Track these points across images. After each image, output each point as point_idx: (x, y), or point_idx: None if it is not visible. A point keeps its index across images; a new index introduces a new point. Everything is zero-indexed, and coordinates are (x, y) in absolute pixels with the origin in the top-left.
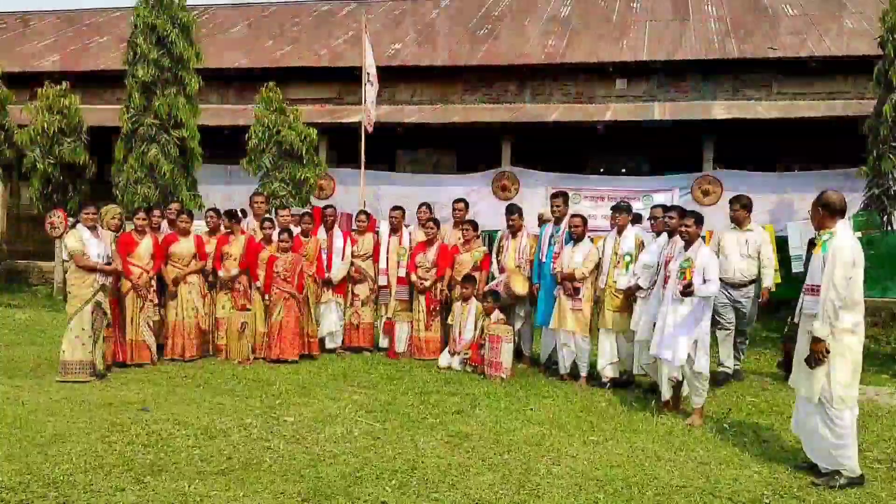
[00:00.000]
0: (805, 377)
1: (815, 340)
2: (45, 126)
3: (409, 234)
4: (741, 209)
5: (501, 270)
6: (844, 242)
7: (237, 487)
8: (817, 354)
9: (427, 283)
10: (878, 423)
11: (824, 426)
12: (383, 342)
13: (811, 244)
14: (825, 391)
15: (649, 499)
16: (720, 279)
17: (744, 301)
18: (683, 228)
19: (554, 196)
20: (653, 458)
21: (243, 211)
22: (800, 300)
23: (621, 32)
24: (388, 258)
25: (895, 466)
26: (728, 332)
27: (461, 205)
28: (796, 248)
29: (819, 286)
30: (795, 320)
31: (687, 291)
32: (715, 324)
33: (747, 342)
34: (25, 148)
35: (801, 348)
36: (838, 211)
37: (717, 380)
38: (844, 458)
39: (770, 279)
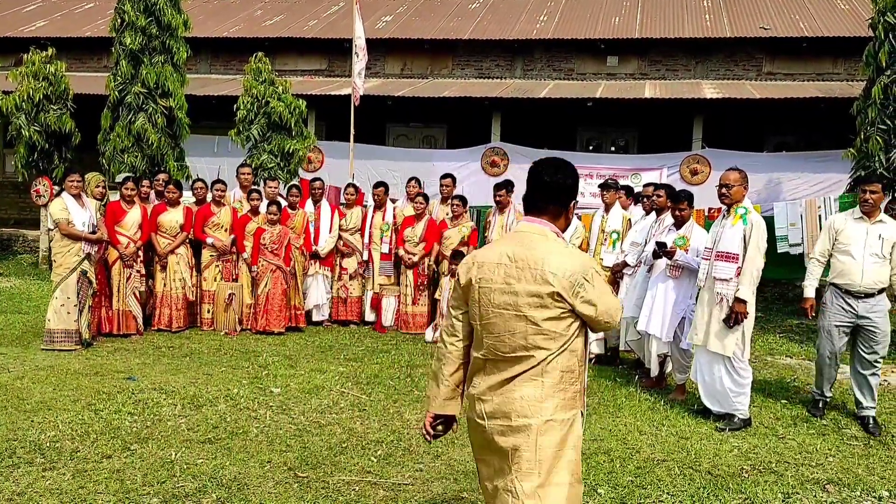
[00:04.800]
0: (719, 334)
1: (740, 302)
2: (31, 93)
3: (394, 209)
4: (882, 193)
5: None
6: (759, 217)
7: (223, 456)
8: (741, 315)
9: (415, 259)
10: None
11: (728, 376)
12: (370, 316)
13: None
14: (738, 347)
15: (630, 472)
16: (835, 285)
17: (872, 317)
18: (678, 212)
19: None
20: (635, 432)
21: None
22: (707, 265)
23: (614, 10)
24: (370, 233)
25: (871, 444)
26: (836, 358)
27: (448, 180)
28: (782, 228)
29: (732, 253)
30: (701, 284)
31: (668, 251)
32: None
33: (879, 373)
34: (10, 115)
35: (712, 309)
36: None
37: (817, 411)
38: (740, 403)
39: None
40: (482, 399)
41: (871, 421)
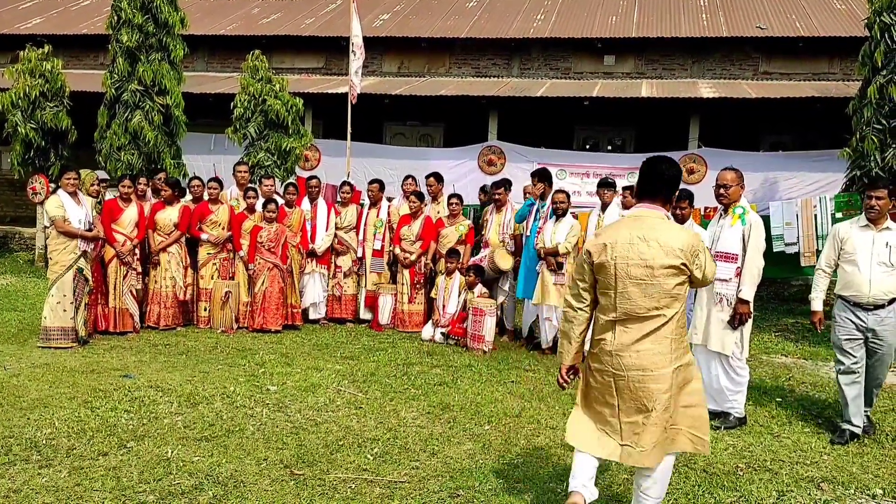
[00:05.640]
0: (719, 333)
1: (743, 303)
2: (27, 90)
3: (389, 206)
4: (889, 199)
5: (485, 245)
6: (757, 216)
7: (220, 454)
8: (744, 316)
9: (412, 258)
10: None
11: (725, 375)
12: (365, 314)
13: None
14: (737, 346)
15: (626, 469)
16: (842, 297)
17: (879, 329)
18: (679, 211)
19: (532, 174)
20: None
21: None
22: None
23: (611, 9)
24: (364, 230)
25: (865, 442)
26: (856, 375)
27: (432, 179)
28: (778, 227)
29: (731, 254)
30: None
31: None
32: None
33: (881, 387)
34: (7, 112)
35: (711, 309)
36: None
37: (841, 439)
38: (737, 402)
39: None
40: (619, 354)
41: (865, 420)
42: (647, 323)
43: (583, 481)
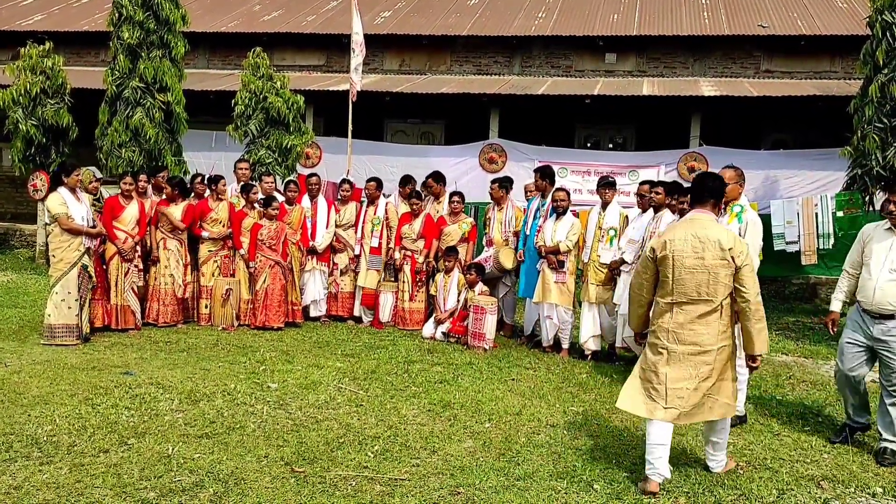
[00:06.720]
0: None
1: None
2: (28, 87)
3: (386, 204)
4: None
5: (489, 243)
6: (756, 215)
7: (221, 451)
8: None
9: (420, 259)
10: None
11: None
12: (359, 312)
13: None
14: (737, 345)
15: (626, 467)
16: (858, 302)
17: (889, 340)
18: (684, 206)
19: (535, 170)
20: (631, 428)
21: (219, 176)
22: None
23: (612, 7)
24: (363, 228)
25: (865, 441)
26: (848, 381)
27: (431, 180)
28: (778, 225)
29: None
30: None
31: None
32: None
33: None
34: (7, 109)
35: None
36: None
37: (839, 437)
38: (738, 401)
39: None
40: (676, 332)
41: (886, 452)
42: (699, 306)
43: (658, 468)
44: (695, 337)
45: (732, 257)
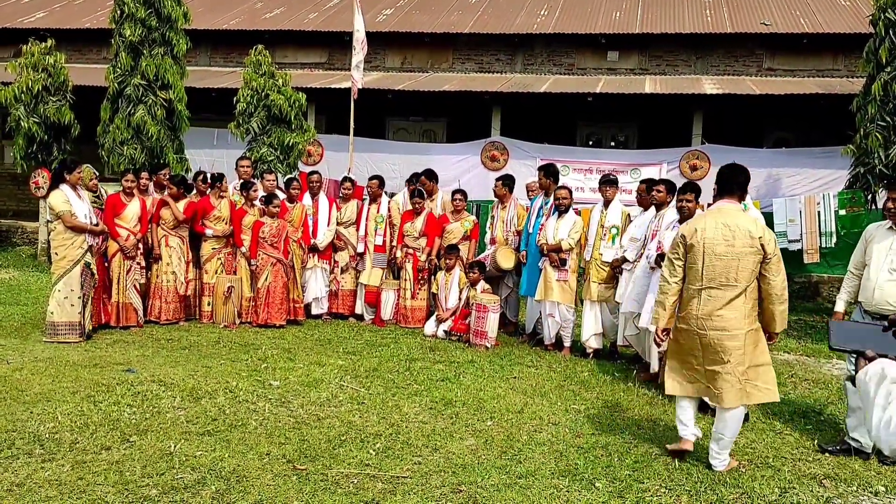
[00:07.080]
0: None
1: None
2: (30, 84)
3: (388, 202)
4: None
5: (492, 242)
6: (758, 213)
7: (222, 448)
8: None
9: (422, 258)
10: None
11: None
12: (360, 309)
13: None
14: None
15: (628, 466)
16: (861, 302)
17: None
18: (684, 203)
19: (539, 168)
20: (633, 427)
21: (221, 174)
22: None
23: (615, 4)
24: (366, 226)
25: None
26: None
27: (424, 178)
28: (781, 224)
29: None
30: None
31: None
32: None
33: None
34: (9, 106)
35: None
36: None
37: (832, 447)
38: None
39: None
40: (703, 318)
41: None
42: (727, 292)
43: (690, 429)
44: (723, 322)
45: (762, 244)
